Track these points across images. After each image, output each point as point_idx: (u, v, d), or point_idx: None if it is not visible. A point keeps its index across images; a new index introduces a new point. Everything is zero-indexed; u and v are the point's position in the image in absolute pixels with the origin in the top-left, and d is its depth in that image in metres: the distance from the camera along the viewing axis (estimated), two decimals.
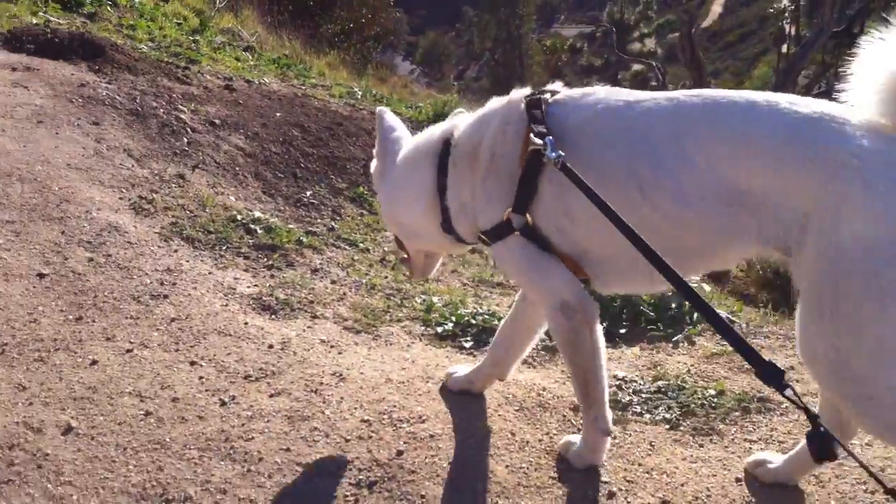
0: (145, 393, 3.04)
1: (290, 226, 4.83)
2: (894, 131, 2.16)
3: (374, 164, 3.20)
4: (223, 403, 3.05)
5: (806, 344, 2.27)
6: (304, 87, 7.61)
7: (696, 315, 4.28)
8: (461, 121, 2.93)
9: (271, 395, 3.14)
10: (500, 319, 3.99)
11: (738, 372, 3.69)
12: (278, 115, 6.02)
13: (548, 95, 2.69)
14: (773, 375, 2.03)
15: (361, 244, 4.95)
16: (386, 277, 4.54)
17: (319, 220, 5.09)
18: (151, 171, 4.89)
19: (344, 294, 4.20)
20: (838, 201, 2.12)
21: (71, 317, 3.43)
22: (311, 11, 17.25)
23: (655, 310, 4.31)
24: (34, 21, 6.70)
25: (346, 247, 4.87)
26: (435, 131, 3.01)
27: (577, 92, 2.70)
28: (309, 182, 5.43)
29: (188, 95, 5.97)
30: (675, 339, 4.09)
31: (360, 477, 2.73)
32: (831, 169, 2.14)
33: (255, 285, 4.05)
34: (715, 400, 3.42)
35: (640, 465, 2.96)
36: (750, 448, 3.07)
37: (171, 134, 5.36)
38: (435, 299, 4.29)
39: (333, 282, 4.33)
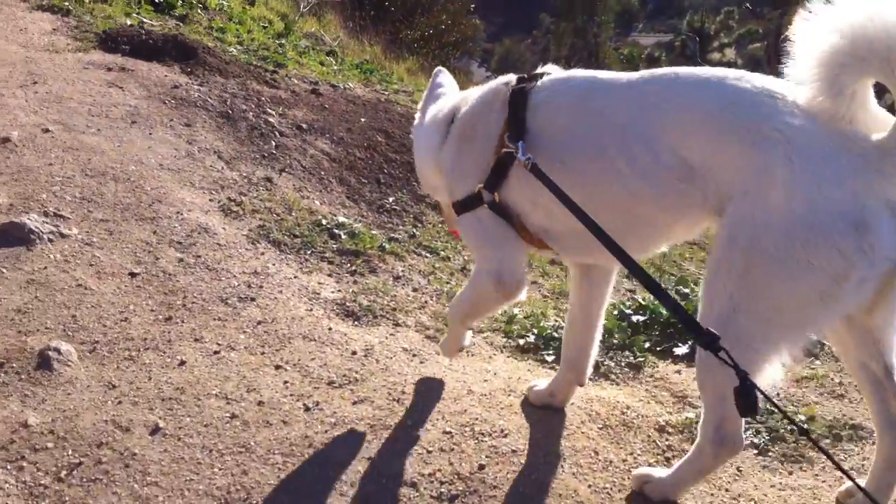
0: (231, 395, 3.07)
1: (373, 231, 4.85)
2: (831, 108, 2.23)
3: (416, 116, 3.39)
4: (307, 409, 3.07)
5: (707, 294, 2.41)
6: (386, 93, 7.65)
7: None
8: (472, 94, 3.07)
9: (354, 403, 3.15)
10: None
11: (829, 397, 3.58)
12: (363, 120, 6.06)
13: (537, 82, 2.81)
14: (709, 339, 2.09)
15: (442, 252, 4.94)
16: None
17: (401, 227, 5.10)
18: (240, 174, 4.97)
19: (425, 302, 4.19)
20: (761, 173, 2.25)
21: (161, 316, 3.49)
22: (392, 17, 17.39)
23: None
24: (128, 22, 6.87)
25: (427, 254, 4.87)
26: (454, 99, 3.17)
27: (559, 76, 2.84)
28: (391, 188, 5.45)
29: (276, 99, 6.05)
30: None
31: (442, 490, 2.71)
32: (759, 142, 2.26)
33: (339, 290, 4.07)
34: (805, 425, 3.32)
35: (726, 490, 2.90)
36: (841, 477, 2.97)
37: (260, 137, 5.43)
38: (516, 311, 4.26)
39: (415, 289, 4.33)
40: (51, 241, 3.79)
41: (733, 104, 2.35)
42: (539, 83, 2.80)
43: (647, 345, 3.92)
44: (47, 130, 4.72)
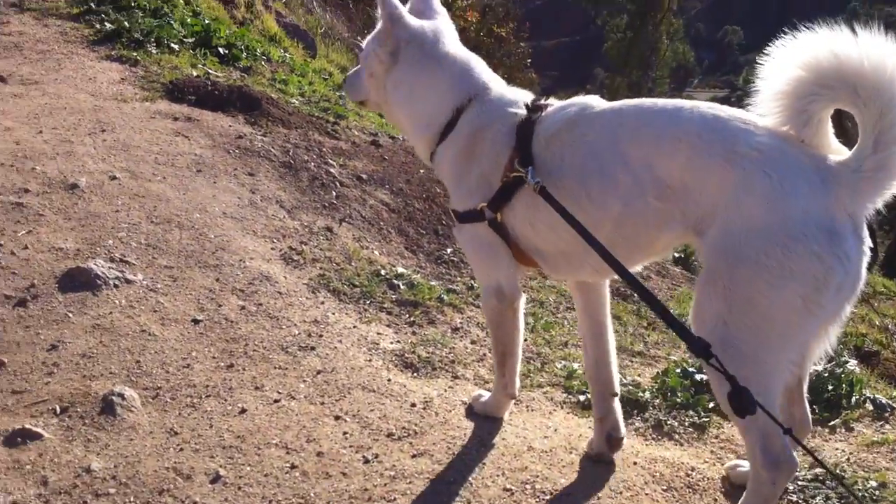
0: (291, 445, 3.06)
1: (432, 282, 4.83)
2: (806, 139, 2.46)
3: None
4: (366, 461, 3.04)
5: (698, 313, 2.57)
6: None
7: (854, 399, 4.05)
8: (477, 107, 3.08)
9: (413, 456, 3.11)
10: (644, 391, 3.88)
11: None
12: (421, 171, 6.09)
13: (542, 112, 2.94)
14: (700, 348, 2.26)
15: None
16: (525, 340, 4.47)
17: (459, 278, 5.08)
18: (301, 223, 5.01)
19: (484, 355, 4.16)
20: (739, 188, 2.43)
21: (223, 364, 3.50)
22: None
23: (810, 391, 4.09)
24: (195, 73, 7.02)
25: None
26: (453, 88, 3.13)
27: (557, 106, 2.96)
28: (450, 239, 5.44)
29: (337, 150, 6.12)
30: (831, 423, 3.87)
31: None
32: (735, 160, 2.44)
33: (398, 341, 4.06)
34: (877, 492, 3.20)
35: None
36: None
37: (321, 187, 5.48)
38: (575, 365, 4.19)
39: (473, 342, 4.30)
40: (116, 286, 3.84)
41: (708, 127, 2.54)
42: (543, 114, 2.94)
43: (711, 404, 3.83)
44: (115, 178, 4.82)
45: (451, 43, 3.20)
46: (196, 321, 3.75)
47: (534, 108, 2.96)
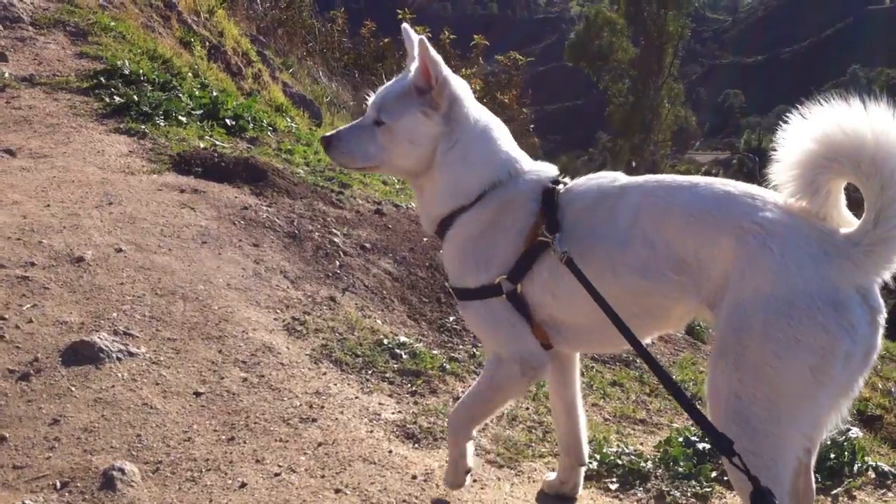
0: None
1: (434, 351, 4.85)
2: (809, 206, 2.55)
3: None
4: None
5: (713, 385, 2.60)
6: None
7: (856, 467, 4.04)
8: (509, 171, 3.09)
9: None
10: (646, 461, 3.87)
11: None
12: (424, 239, 6.14)
13: (560, 187, 3.01)
14: (724, 444, 2.32)
15: None
16: (527, 409, 4.48)
17: (461, 346, 5.09)
18: (305, 293, 5.04)
19: (485, 426, 4.15)
20: (745, 262, 2.51)
21: (223, 437, 3.51)
22: None
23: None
24: (202, 145, 7.13)
25: None
26: (489, 162, 3.11)
27: (584, 179, 3.04)
28: (452, 307, 5.46)
29: (341, 219, 6.18)
30: (833, 492, 3.85)
31: None
32: (741, 236, 2.53)
33: (399, 412, 4.06)
34: None
35: None
36: None
37: (325, 257, 5.53)
38: None
39: None
40: (119, 359, 3.86)
41: (718, 205, 2.64)
42: (564, 186, 3.01)
43: (713, 474, 3.81)
44: (120, 250, 4.88)
45: (482, 107, 3.20)
46: (198, 394, 3.77)
47: (555, 181, 3.04)
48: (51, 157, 6.34)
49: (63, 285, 4.42)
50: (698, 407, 2.50)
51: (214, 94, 8.67)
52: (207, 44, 11.53)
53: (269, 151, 7.74)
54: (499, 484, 3.57)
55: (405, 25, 3.25)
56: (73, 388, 3.63)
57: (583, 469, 3.50)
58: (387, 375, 4.43)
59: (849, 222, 2.57)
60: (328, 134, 3.25)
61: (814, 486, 2.96)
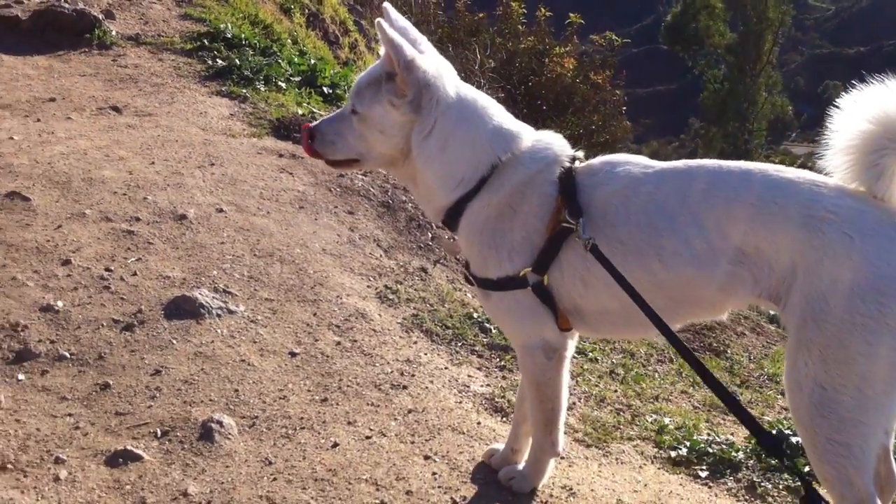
0: (381, 482, 3.10)
1: None
2: (869, 190, 2.48)
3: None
4: (455, 503, 3.05)
5: (793, 378, 2.50)
6: None
7: None
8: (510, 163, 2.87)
9: (500, 501, 3.11)
10: (737, 451, 3.80)
11: None
12: None
13: (577, 163, 2.85)
14: (771, 444, 2.42)
15: (591, 353, 4.88)
16: (615, 391, 4.44)
17: None
18: (397, 262, 5.09)
19: (573, 404, 4.13)
20: (821, 251, 2.42)
21: (317, 397, 3.57)
22: (544, 115, 17.64)
23: None
24: (300, 111, 7.22)
25: (576, 354, 4.81)
26: (487, 146, 2.89)
27: (598, 162, 2.87)
28: None
29: None
30: None
31: None
32: (814, 224, 2.44)
33: (488, 385, 4.07)
34: None
35: None
36: None
37: (417, 228, 5.56)
38: (666, 420, 4.14)
39: None
40: (219, 316, 3.96)
41: (781, 192, 2.54)
42: (582, 166, 2.86)
43: (806, 468, 3.72)
44: (221, 210, 4.98)
45: (468, 87, 2.97)
46: (293, 354, 3.84)
47: (571, 159, 2.88)
48: (155, 116, 6.51)
49: (166, 241, 4.54)
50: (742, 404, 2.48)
51: (312, 61, 8.75)
52: (307, 11, 11.64)
53: None
54: (587, 463, 3.56)
55: (386, 4, 3.02)
56: (174, 341, 3.73)
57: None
58: (476, 349, 4.44)
59: None
60: (311, 125, 3.04)
61: (895, 469, 2.85)
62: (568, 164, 2.84)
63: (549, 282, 2.80)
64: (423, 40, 2.96)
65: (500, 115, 2.94)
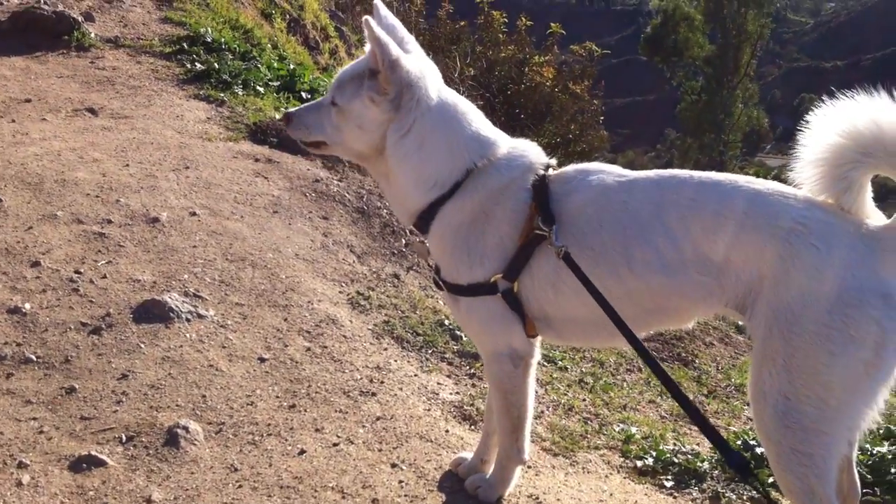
0: (347, 490, 3.10)
1: None
2: (846, 206, 2.50)
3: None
4: None
5: (757, 389, 2.52)
6: None
7: None
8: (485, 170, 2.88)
9: None
10: (703, 461, 3.84)
11: None
12: None
13: (550, 172, 2.87)
14: (738, 464, 2.38)
15: (560, 362, 4.91)
16: (584, 400, 4.47)
17: None
18: (370, 269, 5.09)
19: (542, 412, 4.15)
20: (788, 262, 2.45)
21: (285, 404, 3.56)
22: (522, 124, 17.70)
23: (873, 473, 3.99)
24: (277, 116, 7.21)
25: (545, 363, 4.84)
26: (461, 148, 2.90)
27: (571, 170, 2.88)
28: None
29: None
30: None
31: None
32: (782, 235, 2.47)
33: (457, 392, 4.08)
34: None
35: None
36: None
37: (391, 234, 5.57)
38: (633, 429, 4.17)
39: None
40: (188, 320, 3.95)
41: (751, 204, 2.55)
42: (556, 174, 2.87)
43: (771, 479, 3.75)
44: (194, 214, 4.97)
45: (450, 91, 2.97)
46: (262, 359, 3.83)
47: (546, 166, 2.89)
48: (131, 119, 6.48)
49: (138, 244, 4.52)
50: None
51: (292, 66, 8.74)
52: (288, 17, 11.63)
53: None
54: (553, 472, 3.57)
55: (376, 2, 3.02)
56: (142, 345, 3.71)
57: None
58: (446, 356, 4.45)
59: (874, 215, 2.55)
60: (290, 111, 3.08)
61: (858, 483, 2.86)
62: (542, 172, 2.86)
63: (519, 288, 2.81)
64: (410, 40, 2.98)
65: (478, 121, 2.95)
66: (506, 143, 2.95)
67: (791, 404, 2.44)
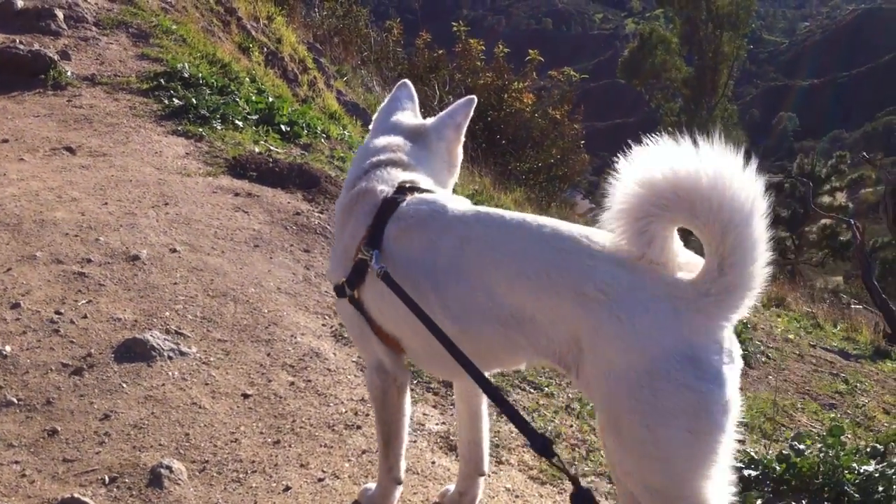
0: None
1: None
2: (645, 257, 2.27)
3: None
4: None
5: (610, 458, 2.39)
6: None
7: None
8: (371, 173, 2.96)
9: None
10: None
11: None
12: None
13: (405, 195, 2.80)
14: (542, 445, 2.22)
15: (546, 388, 4.90)
16: (571, 426, 4.46)
17: None
18: None
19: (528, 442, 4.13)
20: (594, 334, 2.27)
21: (269, 440, 3.54)
22: (503, 150, 17.82)
23: (861, 491, 4.00)
24: (257, 150, 7.22)
25: (532, 389, 4.83)
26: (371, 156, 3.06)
27: (417, 198, 2.80)
28: None
29: None
30: None
31: None
32: (585, 303, 2.27)
33: (443, 423, 4.07)
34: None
35: None
36: None
37: None
38: None
39: None
40: (170, 358, 3.93)
41: (555, 261, 2.37)
42: (410, 197, 2.79)
43: (759, 502, 3.76)
44: (174, 250, 4.95)
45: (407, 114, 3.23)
46: (246, 395, 3.81)
47: (400, 189, 2.84)
48: (110, 156, 6.47)
49: (118, 283, 4.50)
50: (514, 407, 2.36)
51: (270, 99, 8.78)
52: (265, 50, 11.69)
53: (322, 158, 7.81)
54: (541, 501, 3.56)
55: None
56: (124, 385, 3.69)
57: (482, 480, 3.24)
58: (431, 386, 4.44)
59: (687, 263, 2.33)
60: None
61: None
62: (391, 193, 2.82)
63: (360, 298, 2.79)
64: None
65: (401, 126, 3.14)
66: (392, 156, 3.02)
67: (635, 478, 2.31)
